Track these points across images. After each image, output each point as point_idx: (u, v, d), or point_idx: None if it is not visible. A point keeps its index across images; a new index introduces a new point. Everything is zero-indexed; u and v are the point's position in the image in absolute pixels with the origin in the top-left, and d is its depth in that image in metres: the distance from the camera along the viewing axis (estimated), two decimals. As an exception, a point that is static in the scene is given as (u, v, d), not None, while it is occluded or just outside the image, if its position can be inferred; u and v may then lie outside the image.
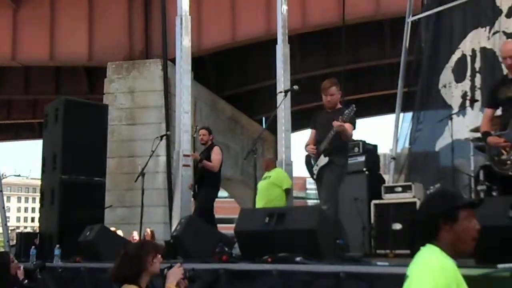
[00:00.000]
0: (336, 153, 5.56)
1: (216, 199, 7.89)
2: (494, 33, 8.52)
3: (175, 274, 3.22)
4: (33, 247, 7.39)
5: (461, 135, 7.39)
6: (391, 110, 10.76)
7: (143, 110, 15.19)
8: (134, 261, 3.20)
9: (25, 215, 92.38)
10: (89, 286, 5.79)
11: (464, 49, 8.94)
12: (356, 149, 8.08)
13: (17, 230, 30.96)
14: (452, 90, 9.02)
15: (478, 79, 8.68)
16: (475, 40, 8.79)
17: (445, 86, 9.18)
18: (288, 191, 7.67)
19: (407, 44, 9.59)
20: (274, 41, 9.97)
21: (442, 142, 8.58)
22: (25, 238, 9.83)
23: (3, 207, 11.54)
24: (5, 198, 12.13)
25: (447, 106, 8.97)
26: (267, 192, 7.50)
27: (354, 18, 14.35)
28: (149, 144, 7.85)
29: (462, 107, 8.48)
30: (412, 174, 9.10)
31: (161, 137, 8.05)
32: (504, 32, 8.35)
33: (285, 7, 9.87)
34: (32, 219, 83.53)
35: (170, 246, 6.09)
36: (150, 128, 14.50)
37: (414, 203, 6.49)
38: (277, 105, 8.15)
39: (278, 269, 4.07)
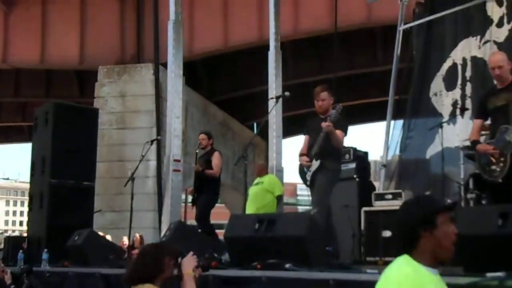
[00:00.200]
0: (328, 157, 5.54)
1: (192, 203, 7.86)
2: (485, 42, 8.58)
3: (190, 261, 3.21)
4: (20, 251, 7.33)
5: (451, 143, 7.42)
6: (382, 117, 10.79)
7: (134, 114, 15.14)
8: (152, 262, 3.13)
9: (13, 218, 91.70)
10: (76, 291, 5.74)
11: (455, 58, 9.00)
12: (347, 156, 8.09)
13: (5, 234, 30.73)
14: (443, 99, 9.07)
15: (468, 88, 8.74)
16: (466, 49, 8.85)
17: (436, 94, 9.23)
18: (279, 198, 7.67)
19: (399, 52, 9.63)
20: (266, 47, 9.98)
21: (432, 150, 8.61)
22: (13, 242, 9.75)
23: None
24: (-7, 201, 12.02)
25: (438, 114, 9.01)
26: (259, 198, 7.49)
27: (346, 26, 14.41)
28: (139, 148, 7.80)
29: (453, 116, 8.52)
30: (402, 181, 9.12)
31: (152, 141, 8.02)
32: (495, 42, 8.41)
33: (277, 14, 9.88)
34: (21, 223, 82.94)
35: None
36: (141, 132, 14.46)
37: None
38: (269, 111, 8.15)
39: (267, 276, 4.05)
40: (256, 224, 4.64)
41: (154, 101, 14.82)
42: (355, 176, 7.90)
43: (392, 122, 9.60)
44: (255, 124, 22.13)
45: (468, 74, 8.80)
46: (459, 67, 8.93)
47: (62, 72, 18.30)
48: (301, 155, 5.79)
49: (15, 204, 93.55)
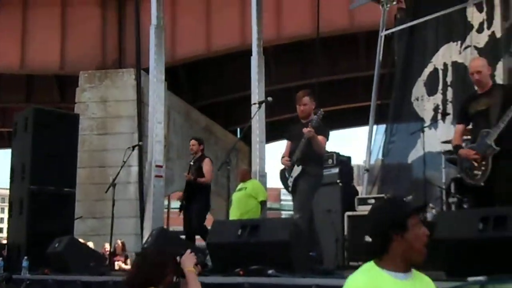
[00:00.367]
0: (310, 163, 5.52)
1: (179, 209, 7.78)
2: (465, 48, 8.67)
3: (189, 259, 3.16)
4: (0, 258, 7.21)
5: (433, 148, 7.47)
6: (364, 122, 10.83)
7: (116, 119, 15.03)
8: (154, 266, 3.06)
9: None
10: (57, 299, 5.66)
11: (436, 63, 9.08)
12: (330, 161, 8.10)
13: (-15, 241, 30.25)
14: (424, 103, 9.14)
15: (449, 93, 8.81)
16: (447, 54, 8.93)
17: (417, 99, 9.29)
18: (263, 203, 7.64)
19: (381, 57, 9.68)
20: (249, 52, 9.97)
21: (414, 155, 8.66)
22: (-8, 249, 9.58)
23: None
24: (-28, 208, 11.84)
25: (420, 119, 9.07)
26: (243, 204, 7.46)
27: (329, 31, 14.47)
28: (121, 154, 7.73)
29: (434, 120, 8.58)
30: (385, 185, 9.16)
31: (133, 147, 7.95)
32: (475, 47, 8.50)
33: (260, 19, 9.89)
34: (0, 230, 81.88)
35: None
36: (122, 138, 14.36)
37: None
38: (252, 116, 8.13)
39: (250, 282, 4.02)
40: (239, 229, 4.61)
41: (135, 107, 14.72)
42: (338, 181, 7.91)
43: (375, 127, 9.64)
44: (238, 129, 22.10)
45: (449, 79, 8.88)
46: (440, 72, 9.01)
47: (42, 77, 18.10)
48: (282, 157, 5.78)
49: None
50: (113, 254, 10.06)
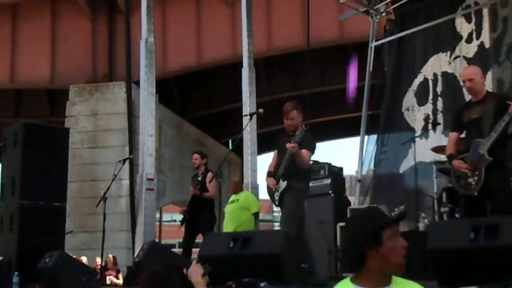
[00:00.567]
0: (294, 177, 5.48)
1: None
2: (455, 58, 8.74)
3: (196, 270, 3.10)
4: (-10, 275, 7.13)
5: (424, 158, 7.48)
6: (356, 132, 10.86)
7: (106, 133, 14.98)
8: (162, 282, 3.02)
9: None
10: (47, 315, 5.59)
11: (426, 73, 9.14)
12: (322, 172, 8.10)
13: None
14: (415, 113, 9.18)
15: (440, 103, 8.86)
16: (437, 64, 9.00)
17: (408, 109, 9.34)
18: (256, 215, 7.62)
19: (371, 68, 9.72)
20: (240, 64, 9.98)
21: (406, 165, 8.69)
22: (-18, 266, 9.47)
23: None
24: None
25: (410, 129, 9.11)
26: (237, 216, 7.45)
27: (319, 42, 14.54)
28: (112, 167, 7.69)
29: (425, 130, 8.62)
30: (377, 196, 9.16)
31: (124, 160, 7.90)
32: (465, 57, 8.57)
33: (250, 31, 9.91)
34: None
35: (132, 272, 5.93)
36: (113, 151, 14.31)
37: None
38: (243, 127, 8.12)
39: (242, 295, 3.99)
40: (230, 242, 4.58)
41: (126, 120, 14.68)
42: (330, 191, 7.91)
43: (366, 137, 9.66)
44: (230, 141, 22.10)
45: (439, 89, 8.94)
46: (430, 83, 9.07)
47: (32, 91, 18.03)
48: (268, 173, 5.75)
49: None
50: (104, 268, 9.98)
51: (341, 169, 8.57)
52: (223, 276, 4.37)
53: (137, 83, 10.42)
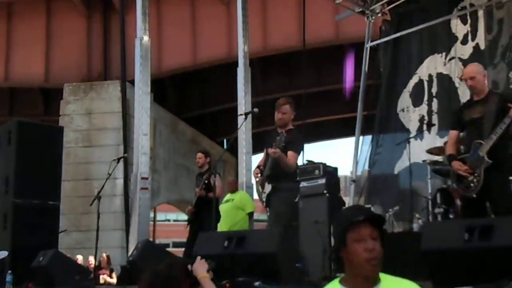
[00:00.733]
0: (280, 179, 5.39)
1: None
2: (450, 59, 8.75)
3: (201, 266, 3.10)
4: (-17, 273, 7.09)
5: (418, 158, 7.48)
6: (351, 133, 10.88)
7: (101, 132, 14.95)
8: (170, 282, 3.00)
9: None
10: (40, 314, 5.57)
11: (421, 74, 9.15)
12: (317, 172, 8.08)
13: (-32, 256, 29.83)
14: (410, 114, 9.20)
15: (435, 104, 8.88)
16: (432, 65, 9.01)
17: (403, 110, 9.35)
18: (251, 215, 7.61)
19: (367, 69, 9.73)
20: (236, 64, 9.98)
21: (400, 165, 8.70)
22: (-25, 264, 9.43)
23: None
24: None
25: (405, 129, 9.13)
26: (232, 216, 7.45)
27: (315, 43, 14.54)
28: (106, 166, 7.66)
29: (420, 131, 8.63)
30: (371, 196, 9.17)
31: (118, 159, 7.88)
32: (460, 58, 8.59)
33: (246, 30, 9.91)
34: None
35: (126, 271, 5.92)
36: (108, 150, 14.28)
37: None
38: (238, 127, 8.12)
39: (237, 294, 3.98)
40: (225, 241, 4.58)
41: (121, 119, 14.65)
42: (325, 191, 7.88)
43: (361, 137, 9.67)
44: (225, 141, 22.08)
45: (434, 90, 8.95)
46: (425, 84, 9.08)
47: (26, 90, 17.96)
48: (258, 167, 5.70)
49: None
50: (98, 267, 9.95)
51: (336, 169, 8.55)
52: (218, 275, 4.37)
53: (132, 82, 10.42)
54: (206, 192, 7.28)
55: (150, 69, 9.11)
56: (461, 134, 5.06)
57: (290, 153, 5.31)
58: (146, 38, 8.98)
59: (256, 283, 4.09)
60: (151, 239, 11.96)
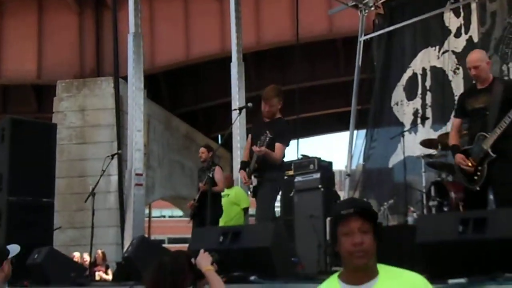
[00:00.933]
0: (266, 171, 5.39)
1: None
2: (443, 53, 8.76)
3: (205, 258, 3.11)
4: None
5: (412, 152, 7.51)
6: (345, 127, 10.89)
7: (94, 128, 14.91)
8: (172, 273, 2.96)
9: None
10: (36, 312, 5.56)
11: (415, 68, 9.16)
12: (311, 166, 8.10)
13: (-37, 254, 29.72)
14: (404, 108, 9.21)
15: (428, 97, 8.89)
16: (425, 59, 9.02)
17: (397, 104, 9.37)
18: (246, 210, 7.62)
19: (360, 63, 9.72)
20: (229, 59, 9.96)
21: (395, 159, 8.71)
22: (-31, 262, 9.38)
23: None
24: None
25: (399, 123, 9.14)
26: (227, 211, 7.47)
27: (308, 37, 14.53)
28: (100, 163, 7.65)
29: (414, 125, 8.65)
30: (366, 190, 9.19)
31: (112, 155, 7.86)
32: (453, 52, 8.60)
33: (239, 25, 9.89)
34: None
35: (121, 268, 5.91)
36: (101, 147, 14.24)
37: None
38: (232, 122, 8.11)
39: (232, 289, 3.98)
40: (220, 236, 4.57)
41: (114, 115, 14.61)
42: (319, 186, 7.90)
43: (355, 132, 9.67)
44: (219, 136, 22.07)
45: (428, 83, 8.96)
46: (419, 77, 9.09)
47: (19, 87, 17.89)
48: (241, 163, 5.71)
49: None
50: (93, 264, 9.93)
51: (330, 163, 8.57)
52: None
53: (125, 78, 10.38)
54: (210, 187, 7.27)
55: (143, 65, 9.09)
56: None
57: (277, 145, 5.30)
58: (138, 33, 8.95)
59: (252, 277, 4.09)
60: (146, 236, 11.94)
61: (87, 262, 9.22)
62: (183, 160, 19.13)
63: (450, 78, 8.52)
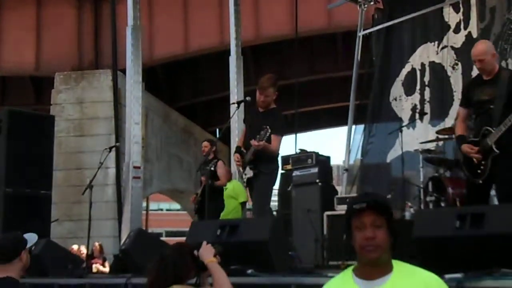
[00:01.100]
0: (262, 162, 5.38)
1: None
2: (442, 48, 8.75)
3: (208, 250, 3.11)
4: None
5: (410, 147, 7.51)
6: (343, 122, 10.88)
7: (92, 121, 14.89)
8: (175, 264, 2.97)
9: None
10: (34, 303, 5.56)
11: (414, 63, 9.15)
12: (309, 161, 8.11)
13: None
14: (402, 103, 9.20)
15: (427, 93, 8.89)
16: (424, 54, 9.01)
17: (395, 99, 9.36)
18: (244, 204, 7.62)
19: (359, 58, 9.72)
20: (228, 53, 9.95)
21: (393, 154, 8.72)
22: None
23: None
24: None
25: (398, 118, 9.14)
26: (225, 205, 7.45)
27: (307, 31, 14.51)
28: (98, 156, 7.64)
29: (412, 120, 8.65)
30: (364, 185, 9.20)
31: (110, 148, 7.84)
32: (452, 47, 8.58)
33: (238, 19, 9.87)
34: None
35: (118, 260, 5.91)
36: (99, 139, 14.23)
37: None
38: (230, 116, 8.10)
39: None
40: (218, 230, 4.58)
41: (112, 108, 14.60)
42: (317, 180, 7.92)
43: (354, 127, 9.68)
44: (217, 130, 22.05)
45: (426, 79, 8.96)
46: (418, 72, 9.08)
47: (17, 79, 17.84)
48: (236, 148, 5.69)
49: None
50: (91, 256, 9.94)
51: (328, 158, 8.58)
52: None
53: (123, 71, 10.36)
54: (212, 181, 7.27)
55: (141, 57, 9.08)
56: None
57: (274, 137, 5.29)
58: (137, 26, 8.93)
59: (249, 271, 4.10)
60: (143, 228, 11.95)
61: (84, 255, 9.23)
62: (181, 153, 19.13)
63: (449, 73, 8.51)
